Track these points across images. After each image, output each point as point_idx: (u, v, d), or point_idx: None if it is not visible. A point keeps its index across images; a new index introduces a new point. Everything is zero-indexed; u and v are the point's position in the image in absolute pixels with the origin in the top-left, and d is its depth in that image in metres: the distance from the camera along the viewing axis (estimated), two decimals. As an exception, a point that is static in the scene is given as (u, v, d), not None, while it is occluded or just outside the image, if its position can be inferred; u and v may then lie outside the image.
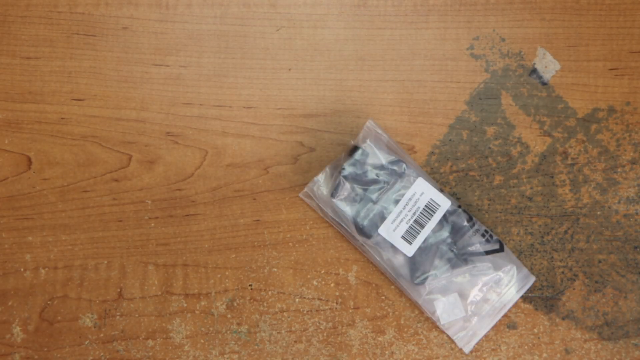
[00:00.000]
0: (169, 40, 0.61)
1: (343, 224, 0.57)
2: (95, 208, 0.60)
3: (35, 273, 0.60)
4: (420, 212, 0.56)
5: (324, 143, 0.61)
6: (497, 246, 0.57)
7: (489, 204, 0.61)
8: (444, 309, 0.56)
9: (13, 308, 0.60)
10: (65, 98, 0.61)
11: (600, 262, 0.60)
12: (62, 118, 0.61)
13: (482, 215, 0.61)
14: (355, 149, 0.56)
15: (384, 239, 0.56)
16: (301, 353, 0.60)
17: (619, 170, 0.61)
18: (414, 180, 0.56)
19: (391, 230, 0.55)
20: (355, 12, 0.61)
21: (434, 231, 0.56)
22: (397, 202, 0.56)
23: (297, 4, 0.61)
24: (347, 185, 0.55)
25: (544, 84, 0.61)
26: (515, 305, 0.60)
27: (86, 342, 0.60)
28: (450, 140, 0.61)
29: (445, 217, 0.56)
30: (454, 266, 0.56)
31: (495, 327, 0.60)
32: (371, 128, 0.57)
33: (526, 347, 0.60)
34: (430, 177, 0.59)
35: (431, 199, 0.56)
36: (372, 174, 0.56)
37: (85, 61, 0.61)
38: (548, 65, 0.61)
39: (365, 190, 0.56)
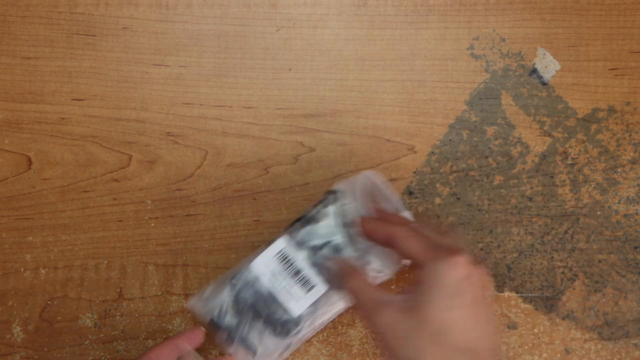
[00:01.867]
0: (169, 40, 0.60)
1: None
2: (95, 208, 0.60)
3: (35, 273, 0.60)
4: (289, 274, 0.54)
5: (324, 143, 0.61)
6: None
7: (489, 204, 0.61)
8: (381, 262, 0.54)
9: (13, 308, 0.60)
10: (65, 98, 0.60)
11: (600, 262, 0.60)
12: (62, 118, 0.60)
13: (482, 216, 0.61)
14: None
15: (306, 313, 0.54)
16: (301, 353, 0.60)
17: (619, 170, 0.61)
18: (253, 268, 0.54)
19: (297, 303, 0.54)
20: (355, 12, 0.61)
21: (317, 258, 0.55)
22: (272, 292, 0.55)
23: (297, 4, 0.61)
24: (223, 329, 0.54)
25: (544, 84, 0.61)
26: (515, 305, 0.60)
27: (86, 342, 0.60)
28: (450, 140, 0.61)
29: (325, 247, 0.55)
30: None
31: (496, 327, 0.60)
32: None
33: (526, 347, 0.60)
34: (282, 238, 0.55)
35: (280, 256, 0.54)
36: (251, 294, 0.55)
37: (85, 61, 0.60)
38: (548, 65, 0.61)
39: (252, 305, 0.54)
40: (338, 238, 0.54)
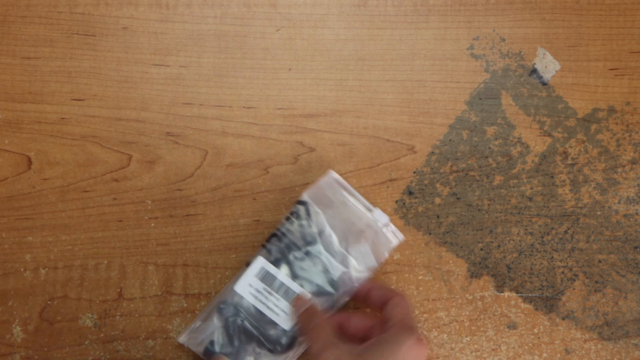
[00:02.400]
0: (169, 41, 0.60)
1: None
2: (95, 208, 0.60)
3: (35, 273, 0.59)
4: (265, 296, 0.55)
5: (324, 143, 0.60)
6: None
7: (489, 204, 0.60)
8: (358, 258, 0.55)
9: (13, 308, 0.59)
10: (65, 98, 0.60)
11: (600, 262, 0.60)
12: (62, 118, 0.60)
13: (482, 216, 0.60)
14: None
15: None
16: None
17: (619, 170, 0.60)
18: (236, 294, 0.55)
19: (287, 317, 0.54)
20: (355, 12, 0.61)
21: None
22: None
23: (297, 4, 0.60)
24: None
25: (544, 84, 0.60)
26: (515, 305, 0.60)
27: (86, 342, 0.59)
28: (450, 140, 0.60)
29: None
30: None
31: (496, 327, 0.60)
32: None
33: (526, 347, 0.60)
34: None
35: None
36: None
37: (85, 61, 0.60)
38: (548, 65, 0.60)
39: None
40: (315, 247, 0.54)
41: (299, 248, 0.54)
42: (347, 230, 0.54)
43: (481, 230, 0.60)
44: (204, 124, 0.60)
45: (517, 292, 0.60)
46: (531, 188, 0.60)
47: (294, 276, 0.55)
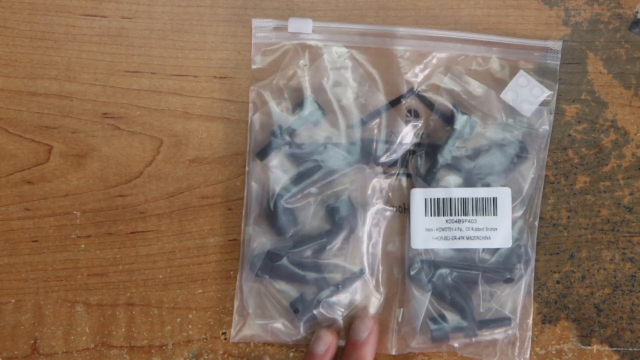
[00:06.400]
0: (105, -21, 0.53)
1: None
2: (-2, 223, 0.53)
3: None
4: None
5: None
6: None
7: (568, 217, 0.53)
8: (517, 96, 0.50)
9: None
10: (-46, 63, 0.55)
11: None
12: (-51, 92, 0.54)
13: (559, 233, 0.53)
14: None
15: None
16: None
17: None
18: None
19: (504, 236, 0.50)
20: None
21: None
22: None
23: None
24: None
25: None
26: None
27: (-17, 421, 0.54)
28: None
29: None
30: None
31: None
32: None
33: None
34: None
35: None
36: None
37: (-18, 9, 0.54)
38: (657, 13, 0.54)
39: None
40: (464, 124, 0.50)
41: (446, 142, 0.50)
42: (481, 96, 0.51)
43: (557, 254, 0.54)
44: (157, 101, 0.55)
45: (611, 346, 0.54)
46: (631, 194, 0.54)
47: (468, 180, 0.51)
